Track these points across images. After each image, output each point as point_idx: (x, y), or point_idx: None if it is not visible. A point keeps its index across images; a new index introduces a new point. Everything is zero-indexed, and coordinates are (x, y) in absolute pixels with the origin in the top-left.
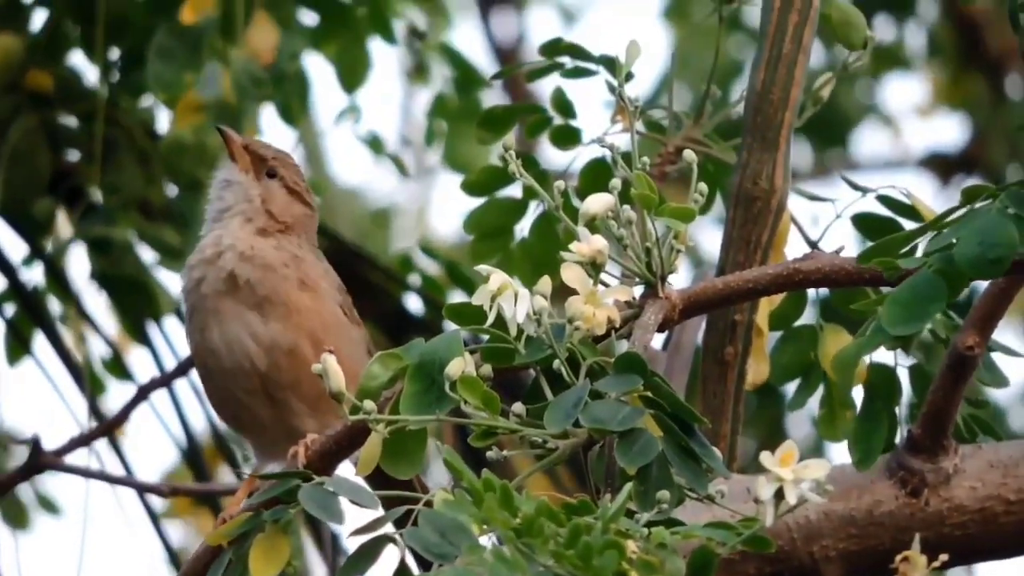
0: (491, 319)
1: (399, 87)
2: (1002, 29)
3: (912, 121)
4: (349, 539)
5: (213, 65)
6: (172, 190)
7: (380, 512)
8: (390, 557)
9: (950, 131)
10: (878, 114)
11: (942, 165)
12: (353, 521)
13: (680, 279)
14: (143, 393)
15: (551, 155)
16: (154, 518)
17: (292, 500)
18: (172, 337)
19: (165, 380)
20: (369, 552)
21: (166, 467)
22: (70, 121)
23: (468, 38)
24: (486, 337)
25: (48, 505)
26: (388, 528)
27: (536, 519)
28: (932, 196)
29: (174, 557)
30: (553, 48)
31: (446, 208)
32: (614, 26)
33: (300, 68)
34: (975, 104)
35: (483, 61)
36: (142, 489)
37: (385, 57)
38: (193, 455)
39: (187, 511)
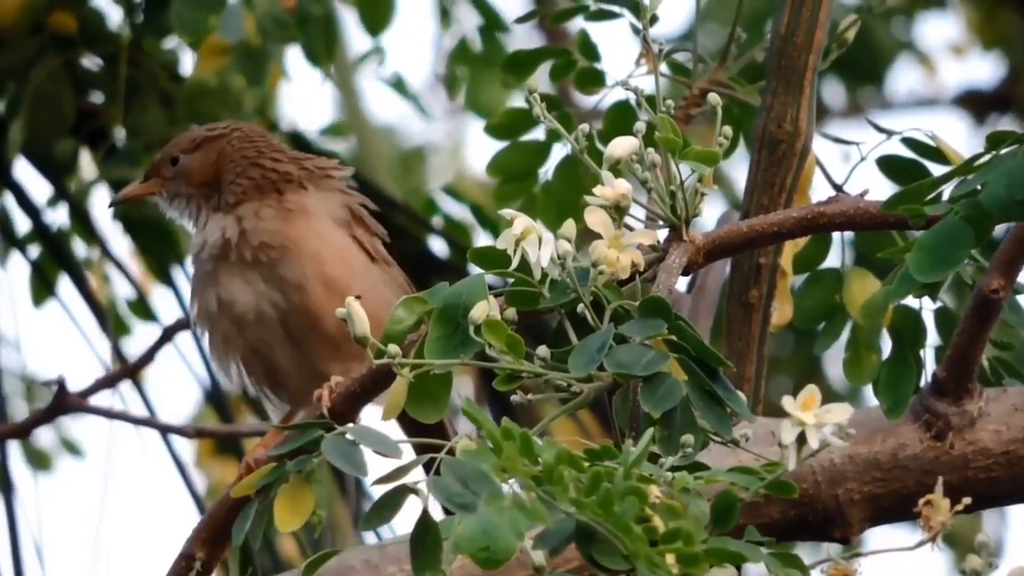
0: (515, 263)
1: (432, 23)
2: None
3: (947, 59)
4: (373, 487)
5: (236, 7)
6: None
7: (404, 460)
8: (414, 504)
9: (985, 69)
10: (913, 52)
11: (977, 103)
12: (377, 468)
13: (709, 219)
14: (167, 335)
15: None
16: (178, 461)
17: (315, 450)
18: None
19: (190, 322)
20: (392, 501)
21: (191, 410)
22: (94, 63)
23: None
24: (510, 280)
25: (71, 448)
26: (412, 477)
27: (556, 467)
28: (966, 135)
29: (198, 500)
30: None
31: (481, 145)
32: None
33: (328, 10)
34: (1010, 42)
35: (518, 0)
36: (166, 431)
37: None
38: (218, 397)
39: (211, 455)
